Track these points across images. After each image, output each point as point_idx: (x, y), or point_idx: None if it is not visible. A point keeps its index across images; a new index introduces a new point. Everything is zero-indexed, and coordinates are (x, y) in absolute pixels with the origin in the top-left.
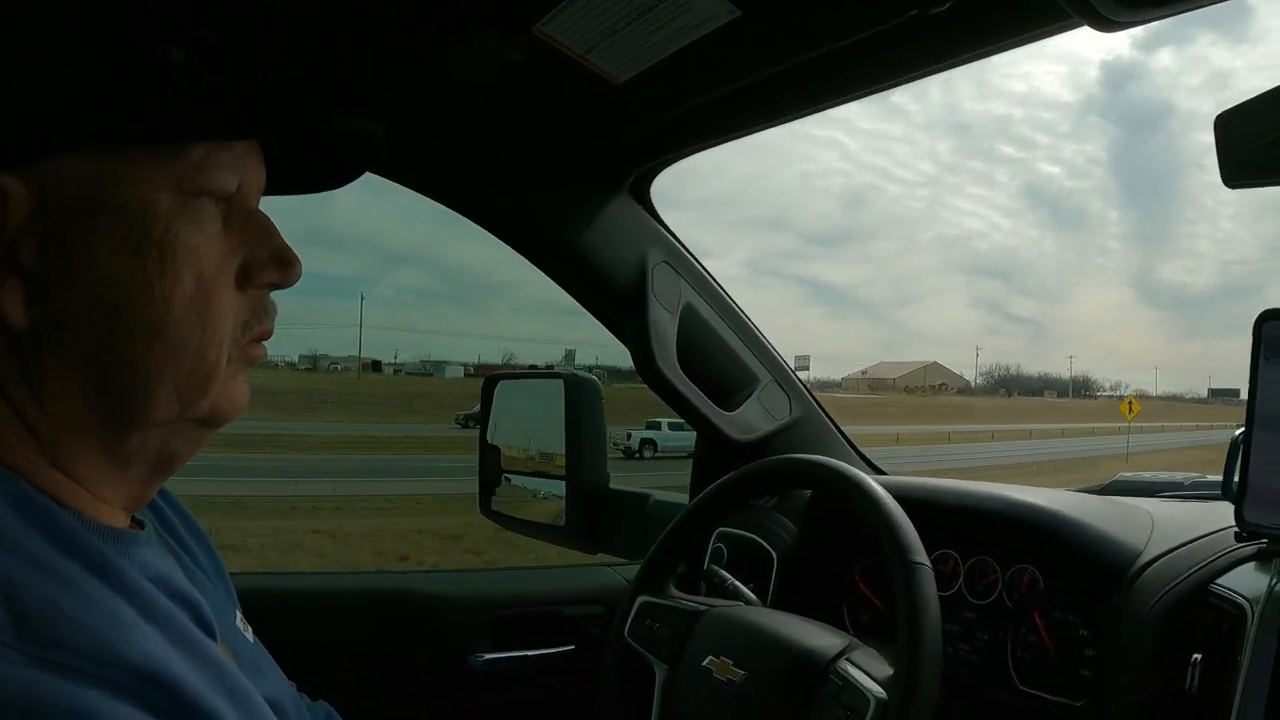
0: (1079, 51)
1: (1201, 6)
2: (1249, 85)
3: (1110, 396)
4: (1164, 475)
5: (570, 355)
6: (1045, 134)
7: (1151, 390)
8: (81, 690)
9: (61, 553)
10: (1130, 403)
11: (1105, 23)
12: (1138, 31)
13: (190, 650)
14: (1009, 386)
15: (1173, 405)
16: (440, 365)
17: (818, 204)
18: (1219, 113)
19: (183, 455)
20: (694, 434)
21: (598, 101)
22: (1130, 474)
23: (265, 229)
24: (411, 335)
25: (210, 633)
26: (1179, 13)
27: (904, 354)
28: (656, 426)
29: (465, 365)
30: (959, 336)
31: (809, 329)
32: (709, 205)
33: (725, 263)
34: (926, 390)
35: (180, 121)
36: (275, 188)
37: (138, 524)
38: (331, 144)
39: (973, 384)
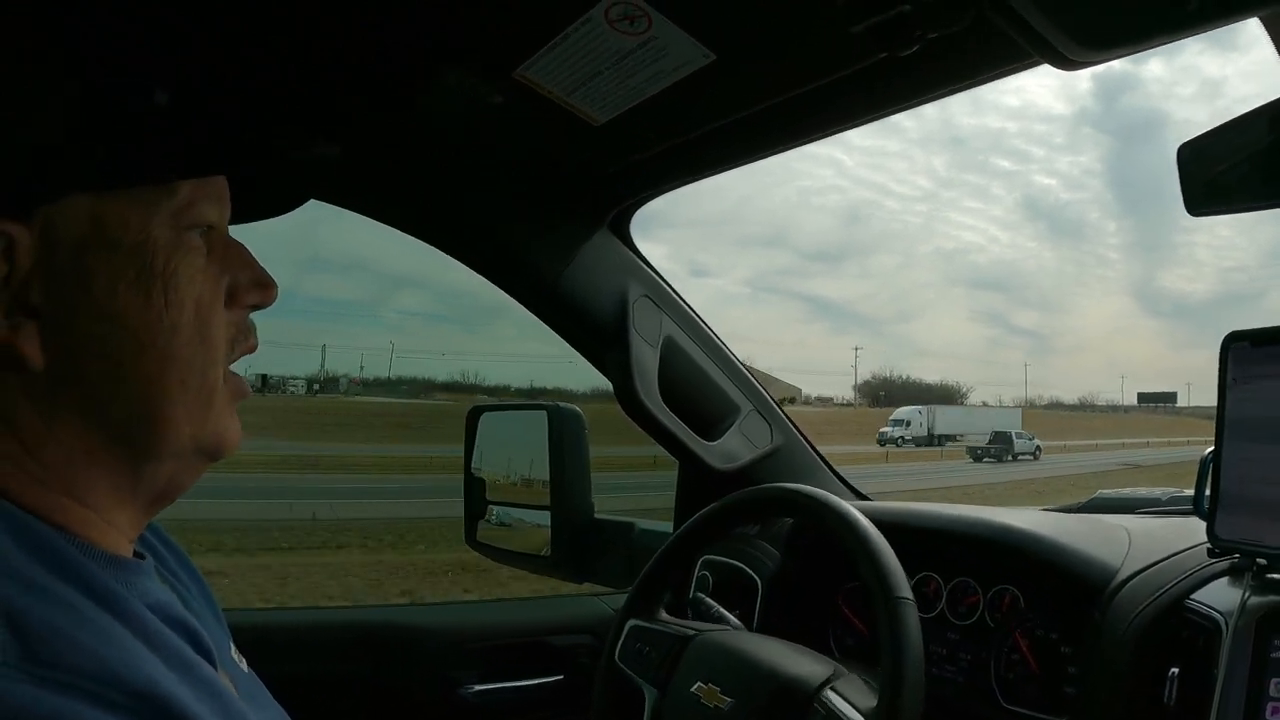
0: None
1: (1158, 46)
2: (1240, 92)
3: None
4: (1143, 491)
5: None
6: (1040, 146)
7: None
8: (83, 708)
9: (63, 580)
10: None
11: (1067, 63)
12: None
13: (189, 675)
14: (889, 395)
15: (1049, 414)
16: None
17: (816, 221)
18: (1181, 143)
19: (184, 487)
20: None
21: (578, 142)
22: (1110, 491)
23: (244, 254)
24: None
25: (209, 659)
26: (1138, 51)
27: (901, 367)
28: None
29: None
30: (960, 351)
31: (811, 345)
32: (708, 224)
33: (725, 281)
34: None
35: (169, 160)
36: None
37: (138, 555)
38: (294, 174)
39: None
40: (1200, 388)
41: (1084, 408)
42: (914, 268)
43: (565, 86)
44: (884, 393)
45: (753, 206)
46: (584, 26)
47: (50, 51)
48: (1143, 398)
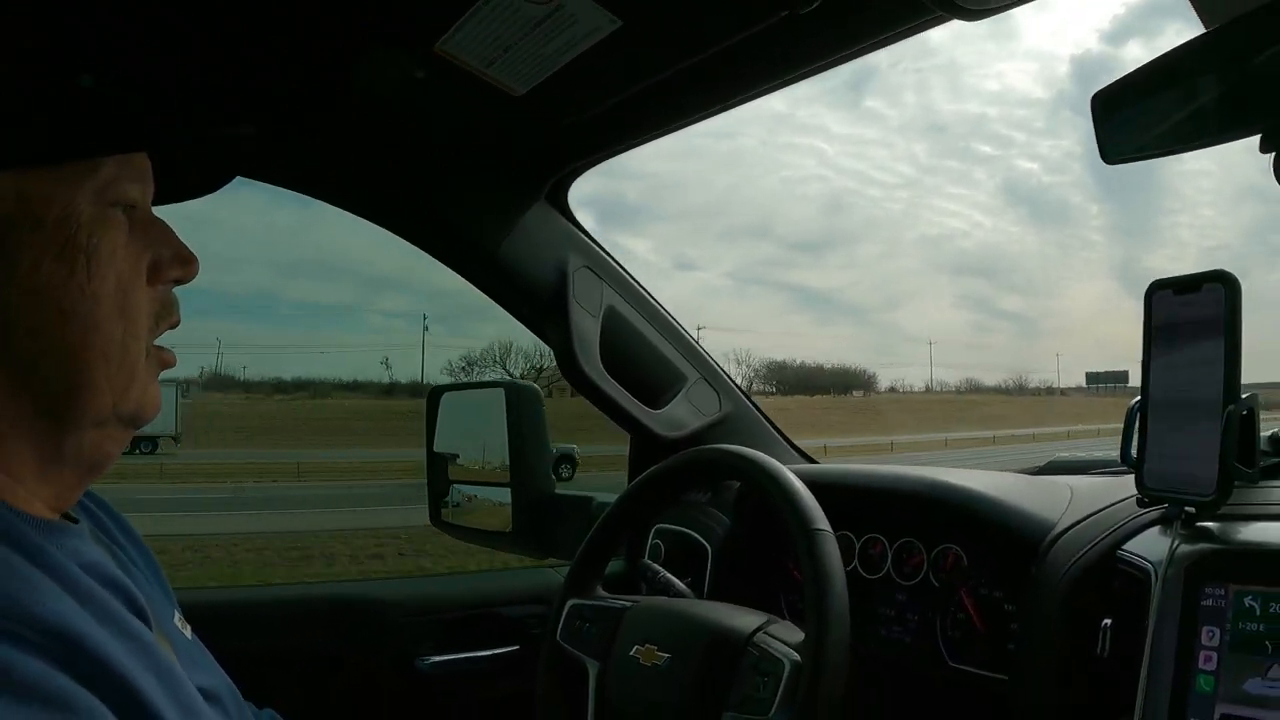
0: (1049, 48)
1: None
2: None
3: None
4: (1099, 454)
5: None
6: (1021, 131)
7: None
8: None
9: None
10: None
11: (965, 13)
12: (1105, 25)
13: (117, 628)
14: (783, 382)
15: (961, 399)
16: None
17: (800, 210)
18: (1095, 91)
19: (112, 456)
20: None
21: (502, 113)
22: (1065, 455)
23: (165, 232)
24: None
25: (143, 618)
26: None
27: (893, 355)
28: None
29: None
30: (945, 336)
31: (801, 334)
32: (694, 217)
33: (710, 274)
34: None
35: (94, 137)
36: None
37: (71, 520)
38: (217, 151)
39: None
40: None
41: (1007, 390)
42: (899, 255)
43: (483, 58)
44: (777, 380)
45: (738, 197)
46: None
47: None
48: (1091, 378)
